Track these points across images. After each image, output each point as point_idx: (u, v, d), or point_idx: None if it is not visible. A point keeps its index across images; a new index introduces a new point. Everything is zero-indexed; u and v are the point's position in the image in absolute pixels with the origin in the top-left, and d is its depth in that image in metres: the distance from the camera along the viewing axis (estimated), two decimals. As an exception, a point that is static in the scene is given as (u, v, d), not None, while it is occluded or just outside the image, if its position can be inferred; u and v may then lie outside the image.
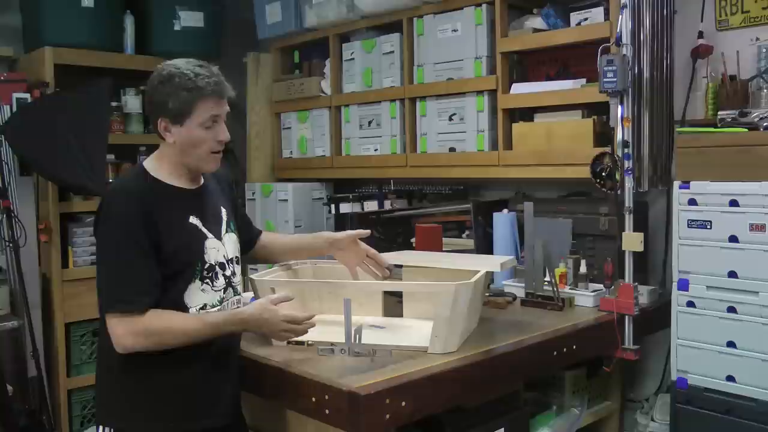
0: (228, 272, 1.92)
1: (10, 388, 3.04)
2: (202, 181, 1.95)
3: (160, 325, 1.74)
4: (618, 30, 2.34)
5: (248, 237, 2.20)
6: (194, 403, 1.83)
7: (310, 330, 1.99)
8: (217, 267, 1.87)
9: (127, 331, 1.72)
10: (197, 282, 1.83)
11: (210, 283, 1.86)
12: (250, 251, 2.24)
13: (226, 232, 1.95)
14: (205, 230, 1.87)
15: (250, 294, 2.25)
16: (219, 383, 1.88)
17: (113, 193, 1.82)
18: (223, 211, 1.98)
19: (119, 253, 1.74)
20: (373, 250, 2.26)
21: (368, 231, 2.28)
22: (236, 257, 1.98)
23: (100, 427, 1.84)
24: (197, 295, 1.83)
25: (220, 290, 1.89)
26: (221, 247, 1.91)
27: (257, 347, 2.04)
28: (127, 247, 1.73)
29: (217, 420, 1.87)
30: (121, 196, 1.78)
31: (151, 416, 1.80)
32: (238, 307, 1.97)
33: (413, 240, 2.97)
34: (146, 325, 1.72)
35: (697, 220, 2.22)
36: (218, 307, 1.88)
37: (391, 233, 3.33)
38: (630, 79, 2.34)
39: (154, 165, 1.88)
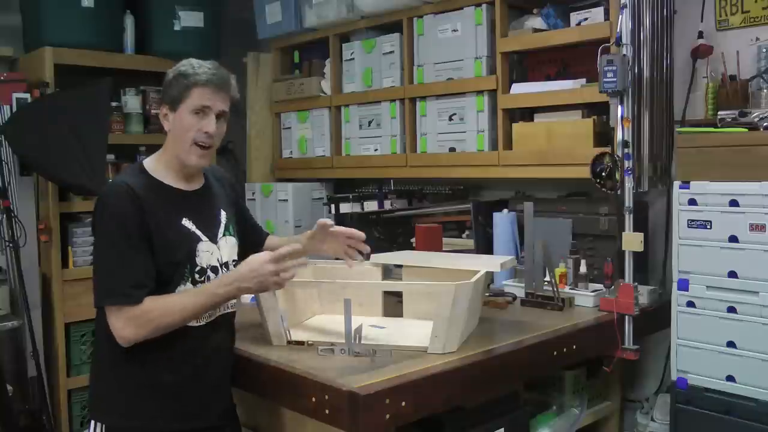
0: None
1: (10, 388, 3.03)
2: (203, 182, 1.95)
3: (156, 308, 1.73)
4: (618, 30, 2.34)
5: (256, 240, 2.19)
6: (184, 402, 1.83)
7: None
8: (209, 270, 1.86)
9: (127, 323, 1.72)
10: (188, 285, 1.82)
11: None
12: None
13: (224, 235, 1.93)
14: (198, 233, 1.86)
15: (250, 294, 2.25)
16: (209, 382, 1.88)
17: (109, 188, 1.82)
18: (223, 214, 1.96)
19: (115, 246, 1.74)
20: (348, 230, 2.18)
21: (328, 221, 2.20)
22: (234, 261, 1.96)
23: (92, 422, 1.84)
24: None
25: None
26: (215, 251, 1.89)
27: (257, 347, 2.03)
28: (122, 241, 1.73)
29: (206, 420, 1.87)
30: (116, 191, 1.77)
31: (139, 414, 1.80)
32: (233, 310, 1.97)
33: (413, 240, 2.97)
34: (144, 312, 1.72)
35: (697, 220, 2.22)
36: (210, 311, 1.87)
37: (391, 233, 3.33)
38: (630, 79, 2.33)
39: (152, 164, 1.88)
